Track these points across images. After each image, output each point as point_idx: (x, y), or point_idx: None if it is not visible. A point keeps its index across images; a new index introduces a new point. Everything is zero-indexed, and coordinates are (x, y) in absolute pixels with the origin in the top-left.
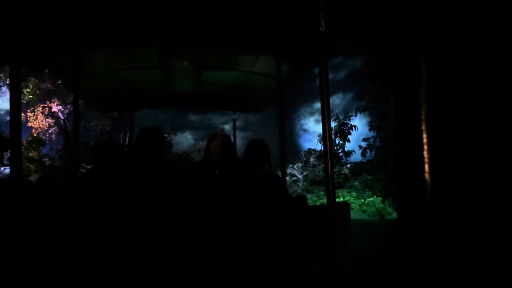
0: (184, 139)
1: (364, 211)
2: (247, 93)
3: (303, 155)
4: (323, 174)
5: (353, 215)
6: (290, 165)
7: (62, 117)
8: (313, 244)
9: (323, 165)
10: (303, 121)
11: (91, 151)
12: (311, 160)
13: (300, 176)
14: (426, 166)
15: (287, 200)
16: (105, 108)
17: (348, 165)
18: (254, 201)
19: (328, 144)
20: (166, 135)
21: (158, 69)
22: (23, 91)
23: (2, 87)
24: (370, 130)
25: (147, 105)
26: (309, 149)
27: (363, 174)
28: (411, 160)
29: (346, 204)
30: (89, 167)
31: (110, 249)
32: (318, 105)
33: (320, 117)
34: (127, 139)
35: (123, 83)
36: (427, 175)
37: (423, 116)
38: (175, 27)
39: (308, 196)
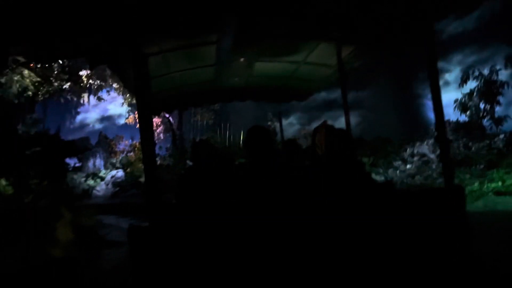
0: (289, 125)
1: None
2: (297, 83)
3: (433, 129)
4: (465, 151)
5: None
6: (418, 143)
7: (166, 115)
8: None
9: (463, 139)
10: (427, 89)
11: (191, 152)
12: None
13: (432, 156)
14: None
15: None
16: (157, 109)
17: (501, 136)
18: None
19: (438, 113)
20: (269, 123)
21: (214, 67)
22: (128, 94)
23: (110, 91)
24: None
25: (200, 103)
26: None
27: None
28: None
29: (458, 188)
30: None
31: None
32: (444, 68)
33: (449, 81)
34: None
35: (178, 83)
36: None
37: None
38: (233, 23)
39: None
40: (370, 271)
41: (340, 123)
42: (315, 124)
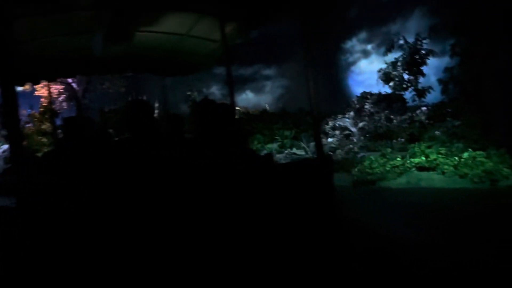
0: (212, 96)
1: (463, 176)
2: (182, 57)
3: (355, 102)
4: (387, 123)
5: (447, 182)
6: (340, 116)
7: (69, 81)
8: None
9: (386, 112)
10: (350, 60)
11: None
12: (367, 106)
13: (354, 129)
14: None
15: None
16: (30, 79)
17: (424, 108)
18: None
19: (310, 86)
20: (189, 93)
21: (90, 34)
22: None
23: None
24: (452, 56)
25: (78, 72)
26: (363, 92)
27: (448, 119)
28: None
29: (326, 159)
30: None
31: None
32: (371, 39)
33: (377, 52)
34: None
35: (53, 51)
36: None
37: None
38: None
39: (372, 156)
40: (247, 238)
41: (265, 94)
42: (237, 95)
